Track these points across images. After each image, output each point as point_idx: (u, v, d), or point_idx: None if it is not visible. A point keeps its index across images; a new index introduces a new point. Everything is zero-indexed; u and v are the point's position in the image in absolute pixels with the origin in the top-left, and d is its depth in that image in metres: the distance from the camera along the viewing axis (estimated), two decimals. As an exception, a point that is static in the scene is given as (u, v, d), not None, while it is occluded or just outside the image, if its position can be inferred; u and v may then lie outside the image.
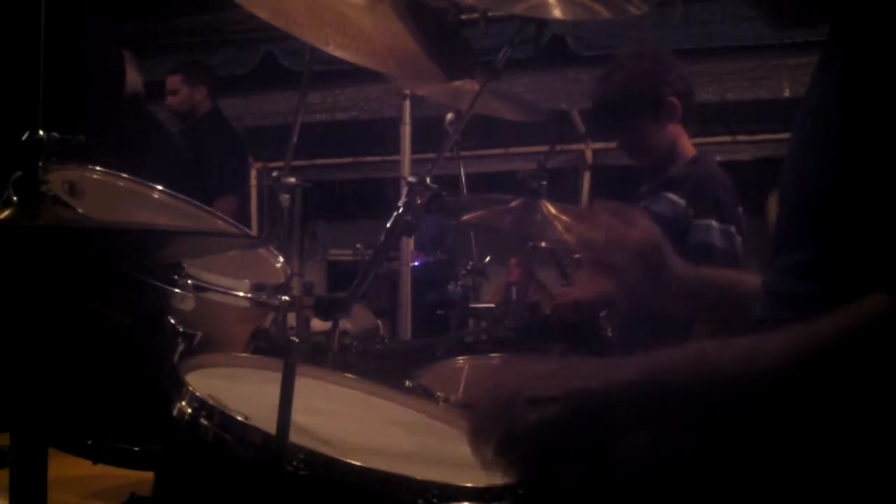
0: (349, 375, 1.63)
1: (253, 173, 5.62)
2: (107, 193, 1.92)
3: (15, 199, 1.23)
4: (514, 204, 2.73)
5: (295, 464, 1.10)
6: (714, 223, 2.42)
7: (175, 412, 1.24)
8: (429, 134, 3.84)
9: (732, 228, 2.44)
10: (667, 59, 2.64)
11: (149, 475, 1.50)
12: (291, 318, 2.19)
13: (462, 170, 3.76)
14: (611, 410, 1.03)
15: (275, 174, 2.34)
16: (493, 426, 1.06)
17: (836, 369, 0.98)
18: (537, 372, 1.12)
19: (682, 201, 2.49)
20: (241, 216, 4.81)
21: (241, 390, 1.41)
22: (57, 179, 1.68)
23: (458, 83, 2.77)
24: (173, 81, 4.94)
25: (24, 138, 1.12)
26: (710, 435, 1.10)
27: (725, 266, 2.41)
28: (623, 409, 1.03)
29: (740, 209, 2.51)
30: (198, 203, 2.08)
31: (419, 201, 2.08)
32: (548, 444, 1.05)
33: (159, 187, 2.04)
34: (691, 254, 2.43)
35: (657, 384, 1.02)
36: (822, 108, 1.11)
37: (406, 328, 4.04)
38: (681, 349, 1.05)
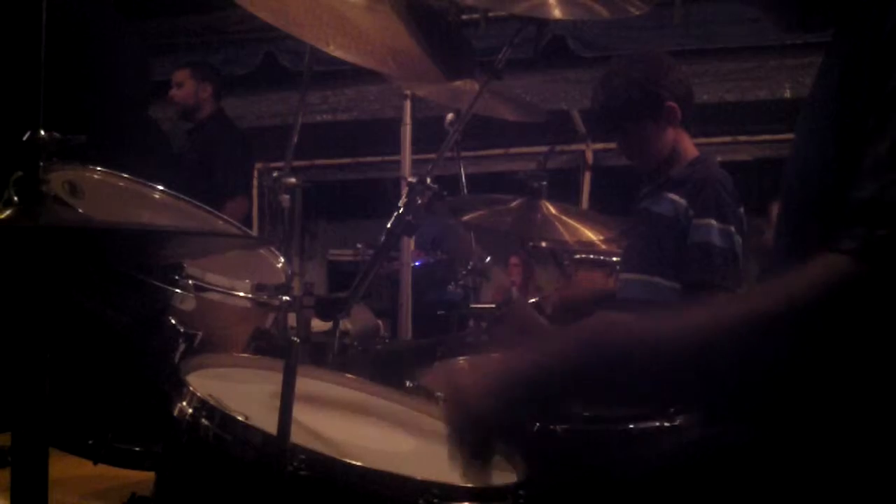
0: (350, 376, 1.64)
1: (253, 173, 5.62)
2: (107, 194, 1.92)
3: (15, 199, 1.23)
4: (514, 204, 2.73)
5: (295, 464, 1.10)
6: (714, 223, 2.43)
7: (176, 412, 1.24)
8: (429, 134, 3.84)
9: (732, 228, 2.44)
10: (665, 62, 2.64)
11: (149, 475, 1.51)
12: (292, 319, 2.19)
13: (462, 170, 3.76)
14: (547, 383, 1.08)
15: (275, 174, 2.34)
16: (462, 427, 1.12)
17: (780, 333, 0.96)
18: (485, 366, 1.17)
19: (683, 201, 2.50)
20: (249, 217, 4.82)
21: (241, 390, 1.41)
22: (57, 179, 1.68)
23: (458, 83, 2.77)
24: (181, 75, 4.94)
25: (24, 138, 1.12)
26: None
27: (725, 265, 2.41)
28: (557, 379, 1.08)
29: (741, 209, 2.52)
30: (198, 203, 2.08)
31: (420, 201, 2.08)
32: (505, 420, 1.11)
33: (160, 187, 2.05)
34: (691, 253, 2.44)
35: (587, 353, 1.06)
36: (823, 107, 1.11)
37: (407, 328, 4.04)
38: (611, 321, 1.10)
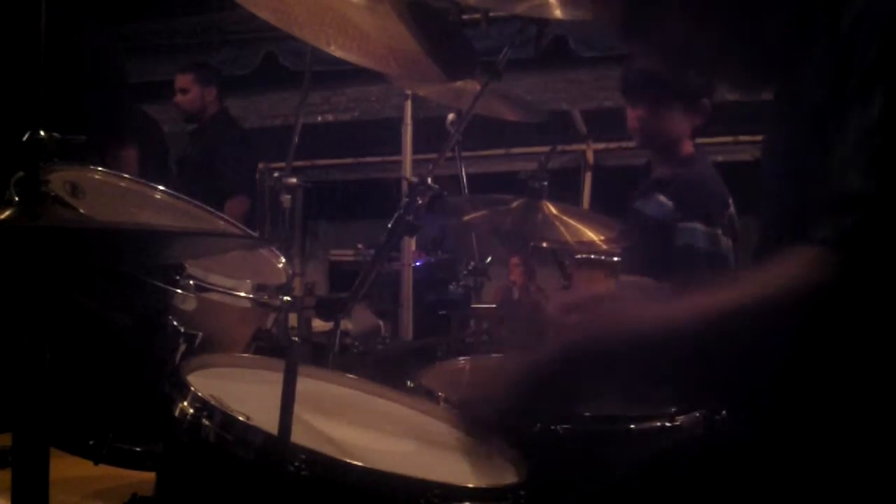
0: (350, 376, 1.63)
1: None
2: (108, 194, 1.92)
3: (16, 199, 1.23)
4: (515, 204, 2.73)
5: (296, 464, 1.10)
6: (699, 226, 2.42)
7: (177, 413, 1.24)
8: (430, 134, 3.84)
9: (718, 231, 2.43)
10: None
11: (150, 475, 1.51)
12: (293, 319, 2.19)
13: (463, 170, 3.75)
14: (549, 378, 1.12)
15: (276, 174, 2.34)
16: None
17: (760, 326, 0.98)
18: (489, 373, 1.28)
19: (669, 203, 2.49)
20: (252, 217, 4.79)
21: (242, 391, 1.41)
22: (58, 180, 1.68)
23: (459, 83, 2.77)
24: (184, 80, 4.88)
25: (24, 139, 1.12)
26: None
27: (710, 269, 2.39)
28: (554, 376, 1.12)
29: (730, 210, 2.50)
30: (199, 203, 2.08)
31: (420, 201, 2.08)
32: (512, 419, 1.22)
33: (161, 188, 2.05)
34: (676, 255, 2.43)
35: (579, 350, 1.09)
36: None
37: (407, 328, 4.04)
38: (603, 316, 1.17)
